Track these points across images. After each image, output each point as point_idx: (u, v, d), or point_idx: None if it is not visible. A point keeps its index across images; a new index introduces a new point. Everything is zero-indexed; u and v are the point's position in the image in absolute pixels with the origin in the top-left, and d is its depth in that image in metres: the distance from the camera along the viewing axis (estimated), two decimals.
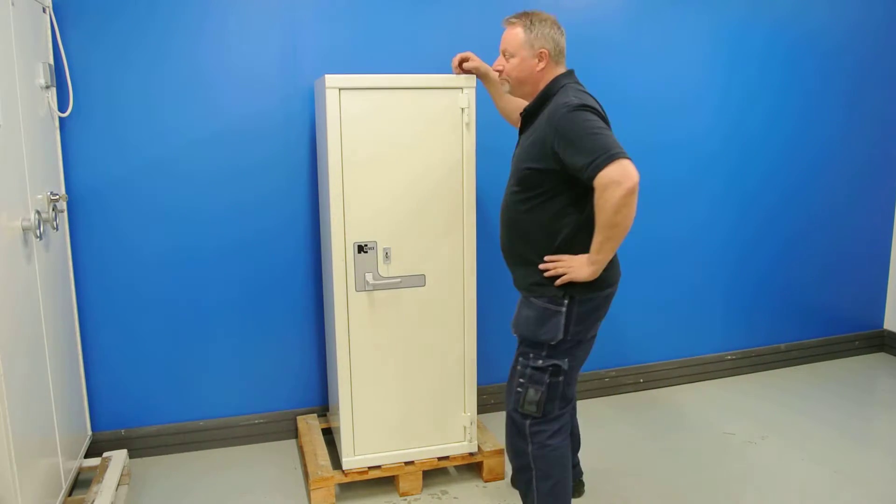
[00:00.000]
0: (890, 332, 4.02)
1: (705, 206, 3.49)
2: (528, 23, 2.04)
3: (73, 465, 2.48)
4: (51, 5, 2.44)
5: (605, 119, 1.98)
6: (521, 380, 2.10)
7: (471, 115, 2.44)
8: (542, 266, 2.04)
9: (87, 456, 2.69)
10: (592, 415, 3.20)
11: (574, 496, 2.46)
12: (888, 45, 3.69)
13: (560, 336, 2.04)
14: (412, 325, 2.53)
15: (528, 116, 2.09)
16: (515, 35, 2.05)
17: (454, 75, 2.43)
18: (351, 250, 2.42)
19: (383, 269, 2.46)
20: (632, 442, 2.97)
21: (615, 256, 2.13)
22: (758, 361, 3.75)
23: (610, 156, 1.81)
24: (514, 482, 2.29)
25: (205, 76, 2.71)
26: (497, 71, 2.14)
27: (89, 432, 2.77)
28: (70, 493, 2.44)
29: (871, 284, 3.98)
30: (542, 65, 2.05)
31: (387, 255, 2.46)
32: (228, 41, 2.71)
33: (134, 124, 2.66)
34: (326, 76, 2.29)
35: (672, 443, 2.98)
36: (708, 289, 3.59)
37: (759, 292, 3.71)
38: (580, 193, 1.97)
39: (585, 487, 2.60)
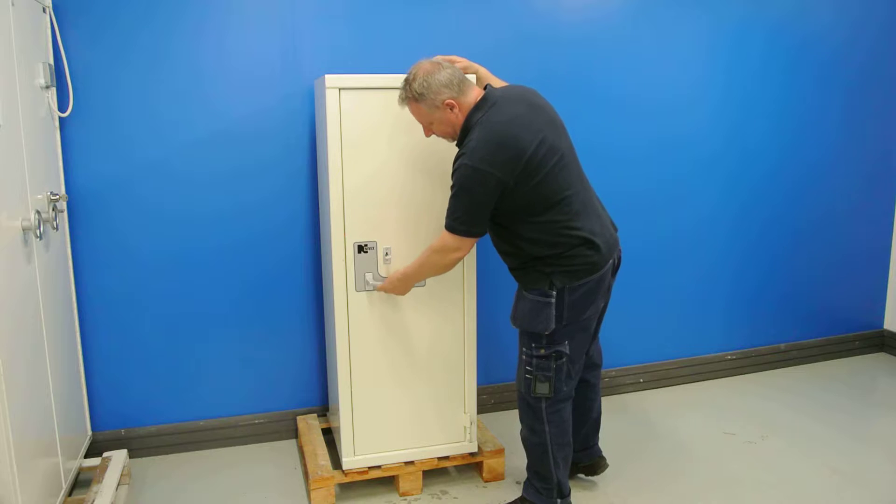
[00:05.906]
0: (890, 332, 4.02)
1: (706, 206, 3.49)
2: (414, 94, 2.07)
3: (73, 465, 2.48)
4: (51, 5, 2.44)
5: (518, 158, 1.99)
6: (529, 368, 2.19)
7: None
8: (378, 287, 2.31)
9: (87, 456, 2.69)
10: None
11: (598, 472, 2.61)
12: (889, 46, 3.69)
13: (552, 326, 2.11)
14: (412, 325, 2.53)
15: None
16: (416, 110, 2.13)
17: None
18: (351, 250, 2.42)
19: (383, 269, 2.46)
20: (632, 442, 2.97)
21: (605, 234, 2.16)
22: (758, 361, 3.75)
23: (453, 224, 2.06)
24: (529, 449, 2.33)
25: (205, 76, 2.71)
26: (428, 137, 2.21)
27: (89, 432, 2.77)
28: (70, 493, 2.44)
29: (871, 285, 3.98)
30: (456, 111, 2.11)
31: (387, 255, 2.46)
32: (228, 41, 2.71)
33: (134, 124, 2.66)
34: (326, 76, 2.29)
35: (672, 443, 2.98)
36: (709, 289, 3.59)
37: (760, 292, 3.71)
38: (505, 208, 2.09)
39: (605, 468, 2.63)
